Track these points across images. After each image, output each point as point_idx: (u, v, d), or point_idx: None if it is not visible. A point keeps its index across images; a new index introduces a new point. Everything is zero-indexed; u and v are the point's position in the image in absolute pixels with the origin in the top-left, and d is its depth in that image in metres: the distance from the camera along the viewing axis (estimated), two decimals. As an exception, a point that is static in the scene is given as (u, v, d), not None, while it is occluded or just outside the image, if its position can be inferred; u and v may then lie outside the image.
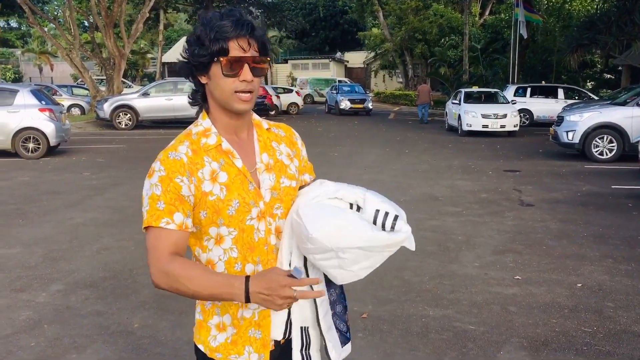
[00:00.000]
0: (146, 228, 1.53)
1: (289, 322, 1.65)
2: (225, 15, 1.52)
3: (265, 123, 1.73)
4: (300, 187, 1.72)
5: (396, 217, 1.54)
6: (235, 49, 1.51)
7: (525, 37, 24.64)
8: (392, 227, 1.54)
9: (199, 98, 1.65)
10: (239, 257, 1.58)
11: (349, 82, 36.96)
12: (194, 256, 1.64)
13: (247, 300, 1.44)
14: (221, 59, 1.52)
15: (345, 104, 28.06)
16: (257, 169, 1.62)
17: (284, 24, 38.91)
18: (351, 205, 1.59)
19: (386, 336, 4.03)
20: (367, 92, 34.74)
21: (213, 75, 1.55)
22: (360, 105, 28.08)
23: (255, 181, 1.60)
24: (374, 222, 1.54)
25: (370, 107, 28.51)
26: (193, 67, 1.57)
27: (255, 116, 1.72)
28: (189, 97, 1.69)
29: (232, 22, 1.51)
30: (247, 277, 1.45)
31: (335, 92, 29.89)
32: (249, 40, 1.52)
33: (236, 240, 1.57)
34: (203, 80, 1.59)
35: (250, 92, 1.55)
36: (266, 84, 31.55)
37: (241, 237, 1.57)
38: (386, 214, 1.54)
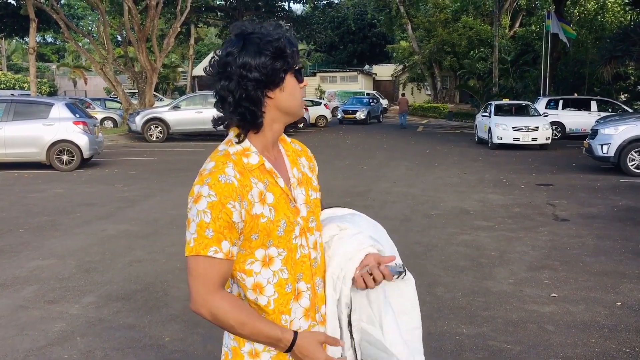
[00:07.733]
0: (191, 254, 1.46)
1: None
2: (276, 26, 1.50)
3: (286, 136, 1.69)
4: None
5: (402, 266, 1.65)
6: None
7: (569, 45, 24.51)
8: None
9: (249, 117, 1.50)
10: (289, 279, 1.53)
11: (372, 94, 38.32)
12: (236, 280, 1.55)
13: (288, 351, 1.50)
14: (296, 67, 1.51)
15: (340, 115, 31.65)
16: (292, 184, 1.59)
17: (313, 37, 39.19)
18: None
19: (419, 354, 3.94)
20: (388, 104, 38.00)
21: (287, 86, 1.50)
22: (352, 116, 30.97)
23: (292, 198, 1.57)
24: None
25: (363, 117, 30.81)
26: (263, 84, 1.47)
27: None
28: (216, 121, 1.56)
29: (288, 33, 1.51)
30: (295, 335, 1.49)
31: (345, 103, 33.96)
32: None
33: (285, 260, 1.52)
34: (271, 94, 1.49)
35: None
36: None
37: (290, 257, 1.53)
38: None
